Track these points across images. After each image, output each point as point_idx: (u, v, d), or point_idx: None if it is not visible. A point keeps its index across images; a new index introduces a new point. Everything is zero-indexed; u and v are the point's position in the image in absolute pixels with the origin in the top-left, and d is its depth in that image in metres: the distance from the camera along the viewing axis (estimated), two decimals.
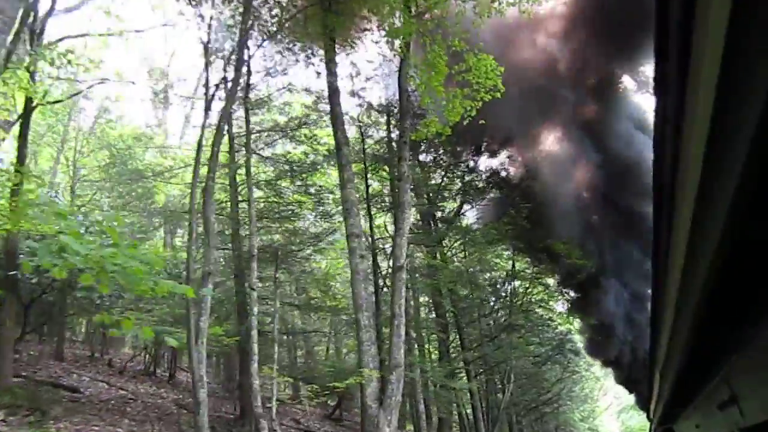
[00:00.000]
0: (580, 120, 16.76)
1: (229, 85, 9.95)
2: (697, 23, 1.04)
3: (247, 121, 12.03)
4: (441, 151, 18.59)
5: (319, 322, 18.53)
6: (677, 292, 1.93)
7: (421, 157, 18.74)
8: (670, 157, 1.44)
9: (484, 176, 17.35)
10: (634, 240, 18.54)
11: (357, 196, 12.14)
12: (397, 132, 17.76)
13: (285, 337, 17.49)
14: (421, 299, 20.26)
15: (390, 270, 12.96)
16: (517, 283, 19.21)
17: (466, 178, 17.55)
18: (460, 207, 18.08)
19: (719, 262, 1.41)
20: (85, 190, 19.56)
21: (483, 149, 18.60)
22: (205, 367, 8.31)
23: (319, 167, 15.98)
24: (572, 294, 19.66)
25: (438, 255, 16.74)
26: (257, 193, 14.67)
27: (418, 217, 17.64)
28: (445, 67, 10.96)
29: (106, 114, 20.54)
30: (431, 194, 17.44)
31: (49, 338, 18.08)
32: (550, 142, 17.40)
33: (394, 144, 17.10)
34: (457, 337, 18.76)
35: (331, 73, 12.51)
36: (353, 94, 17.49)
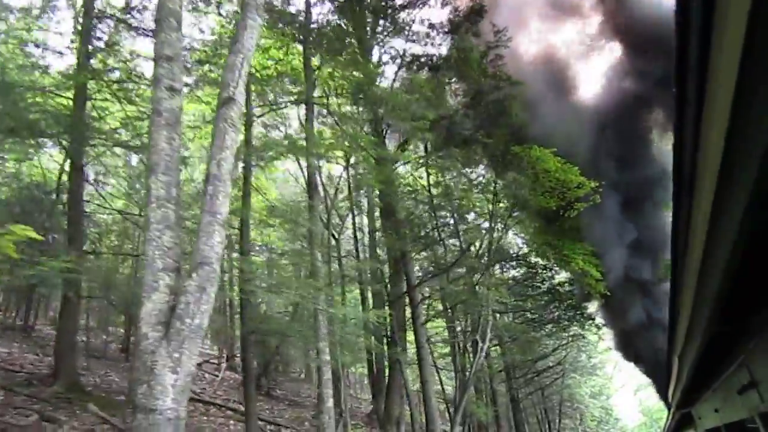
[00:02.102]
0: None
1: None
2: (717, 17, 1.02)
3: None
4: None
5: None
6: (697, 278, 1.92)
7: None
8: (691, 142, 1.38)
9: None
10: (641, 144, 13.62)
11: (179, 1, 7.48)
12: None
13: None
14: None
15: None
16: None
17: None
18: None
19: (740, 248, 1.43)
20: None
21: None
22: None
23: None
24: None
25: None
26: None
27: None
28: None
29: None
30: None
31: None
32: None
33: None
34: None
35: None
36: None
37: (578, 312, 20.76)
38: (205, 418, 10.83)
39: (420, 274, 15.77)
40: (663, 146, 13.46)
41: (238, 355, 18.66)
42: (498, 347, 21.93)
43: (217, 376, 14.83)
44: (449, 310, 14.14)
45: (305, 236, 10.09)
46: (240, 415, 11.88)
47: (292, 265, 10.51)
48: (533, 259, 19.61)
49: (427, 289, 14.79)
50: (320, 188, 11.33)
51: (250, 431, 8.74)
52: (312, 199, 9.86)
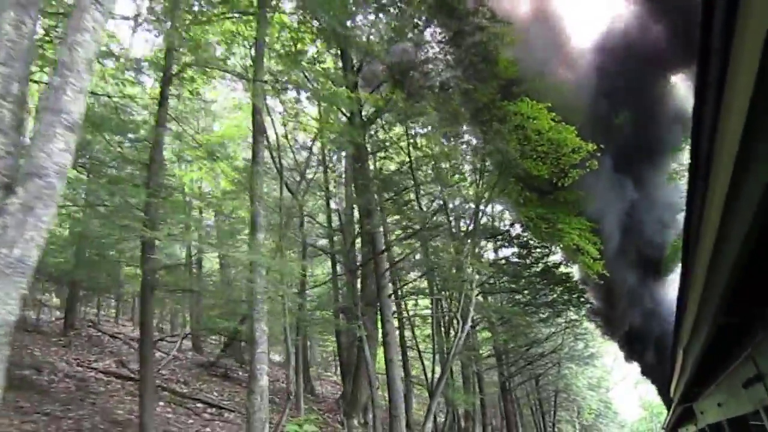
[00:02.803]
0: None
1: None
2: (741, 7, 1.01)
3: None
4: None
5: None
6: (707, 270, 1.89)
7: None
8: (708, 137, 1.35)
9: None
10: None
11: None
12: None
13: None
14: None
15: None
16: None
17: None
18: None
19: (751, 240, 1.42)
20: None
21: None
22: None
23: None
24: None
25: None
26: None
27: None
28: None
29: None
30: None
31: None
32: None
33: None
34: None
35: None
36: None
37: (575, 295, 19.29)
38: (129, 398, 9.47)
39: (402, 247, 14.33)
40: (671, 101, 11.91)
41: (204, 335, 17.32)
42: (487, 331, 20.46)
43: (167, 354, 13.46)
44: (424, 276, 12.65)
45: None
46: (176, 396, 10.53)
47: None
48: (526, 235, 18.14)
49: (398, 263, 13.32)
50: (272, 130, 9.77)
51: (144, 403, 7.33)
52: (255, 141, 8.34)
